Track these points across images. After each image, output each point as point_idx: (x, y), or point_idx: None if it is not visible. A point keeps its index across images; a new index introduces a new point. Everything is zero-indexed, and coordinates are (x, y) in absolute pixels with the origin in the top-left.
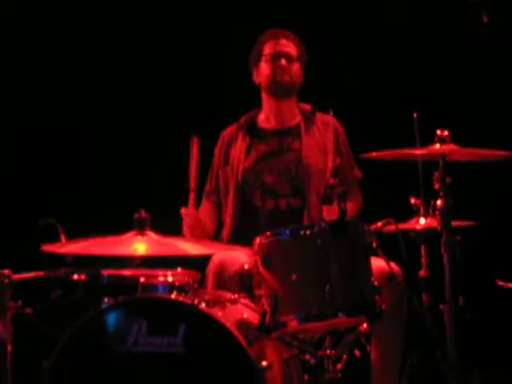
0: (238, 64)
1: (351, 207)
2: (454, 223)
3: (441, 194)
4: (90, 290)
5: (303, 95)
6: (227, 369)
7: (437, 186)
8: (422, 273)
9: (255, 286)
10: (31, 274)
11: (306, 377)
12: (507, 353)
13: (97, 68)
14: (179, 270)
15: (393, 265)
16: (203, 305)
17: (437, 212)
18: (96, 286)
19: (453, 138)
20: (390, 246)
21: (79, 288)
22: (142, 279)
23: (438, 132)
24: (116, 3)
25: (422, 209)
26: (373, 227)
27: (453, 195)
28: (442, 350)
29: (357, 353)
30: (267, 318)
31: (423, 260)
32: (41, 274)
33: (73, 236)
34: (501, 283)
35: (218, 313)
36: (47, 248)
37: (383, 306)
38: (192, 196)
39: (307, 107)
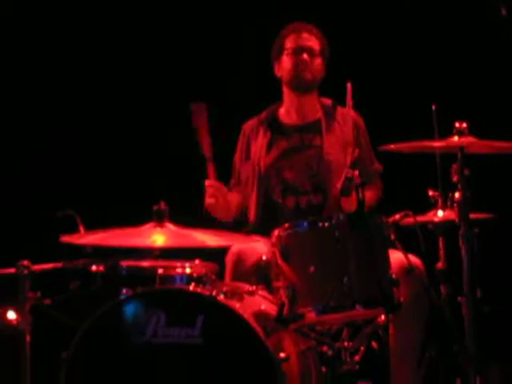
0: (254, 57)
1: (370, 196)
2: (472, 215)
3: (459, 186)
4: (108, 281)
5: (322, 88)
6: (245, 360)
7: (455, 178)
8: (440, 265)
9: (273, 277)
10: (50, 265)
11: (323, 368)
12: None
13: (106, 65)
14: (197, 261)
15: (412, 257)
16: (221, 296)
17: (455, 204)
18: (114, 277)
19: (471, 131)
20: (408, 239)
21: (98, 279)
22: (161, 271)
23: (457, 124)
24: (117, 3)
25: (440, 201)
26: (391, 219)
27: (471, 187)
28: (459, 342)
29: (374, 345)
30: (285, 310)
31: (441, 252)
32: (59, 265)
33: (91, 227)
34: None
35: (235, 304)
36: (66, 239)
37: (401, 299)
38: (210, 166)
39: (328, 102)
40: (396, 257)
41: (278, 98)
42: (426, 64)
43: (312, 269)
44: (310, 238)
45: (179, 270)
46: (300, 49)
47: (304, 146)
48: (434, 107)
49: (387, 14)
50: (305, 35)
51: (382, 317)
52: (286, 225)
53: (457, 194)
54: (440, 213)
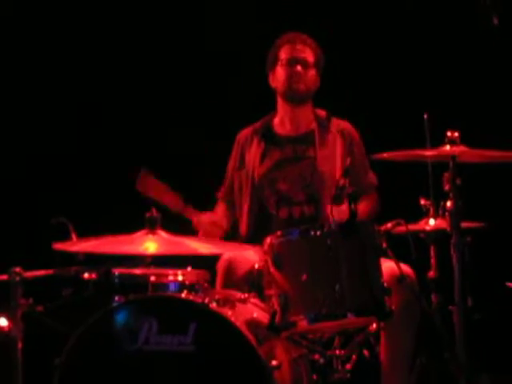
0: (252, 65)
1: (363, 209)
2: (464, 224)
3: (450, 195)
4: (100, 288)
5: (316, 98)
6: (237, 368)
7: (447, 187)
8: (432, 274)
9: (265, 285)
10: (42, 272)
11: (314, 376)
12: None
13: (103, 71)
14: (189, 269)
15: (404, 267)
16: (213, 304)
17: (446, 213)
18: (107, 285)
19: (463, 140)
20: (399, 247)
21: (90, 286)
22: (153, 278)
23: (449, 133)
24: (119, 2)
25: (431, 210)
26: (383, 228)
27: (462, 196)
28: (450, 350)
29: (366, 353)
30: (277, 318)
31: (433, 261)
32: (52, 272)
33: (84, 234)
34: (510, 284)
35: (228, 312)
36: (58, 246)
37: (393, 307)
38: (188, 211)
39: (322, 113)
40: (388, 265)
41: (273, 108)
42: (418, 73)
43: (304, 277)
44: (302, 246)
45: (171, 278)
46: (294, 60)
47: (297, 157)
48: (426, 116)
49: (381, 24)
50: (299, 46)
51: (374, 325)
52: (279, 233)
53: (448, 203)
54: (432, 221)
